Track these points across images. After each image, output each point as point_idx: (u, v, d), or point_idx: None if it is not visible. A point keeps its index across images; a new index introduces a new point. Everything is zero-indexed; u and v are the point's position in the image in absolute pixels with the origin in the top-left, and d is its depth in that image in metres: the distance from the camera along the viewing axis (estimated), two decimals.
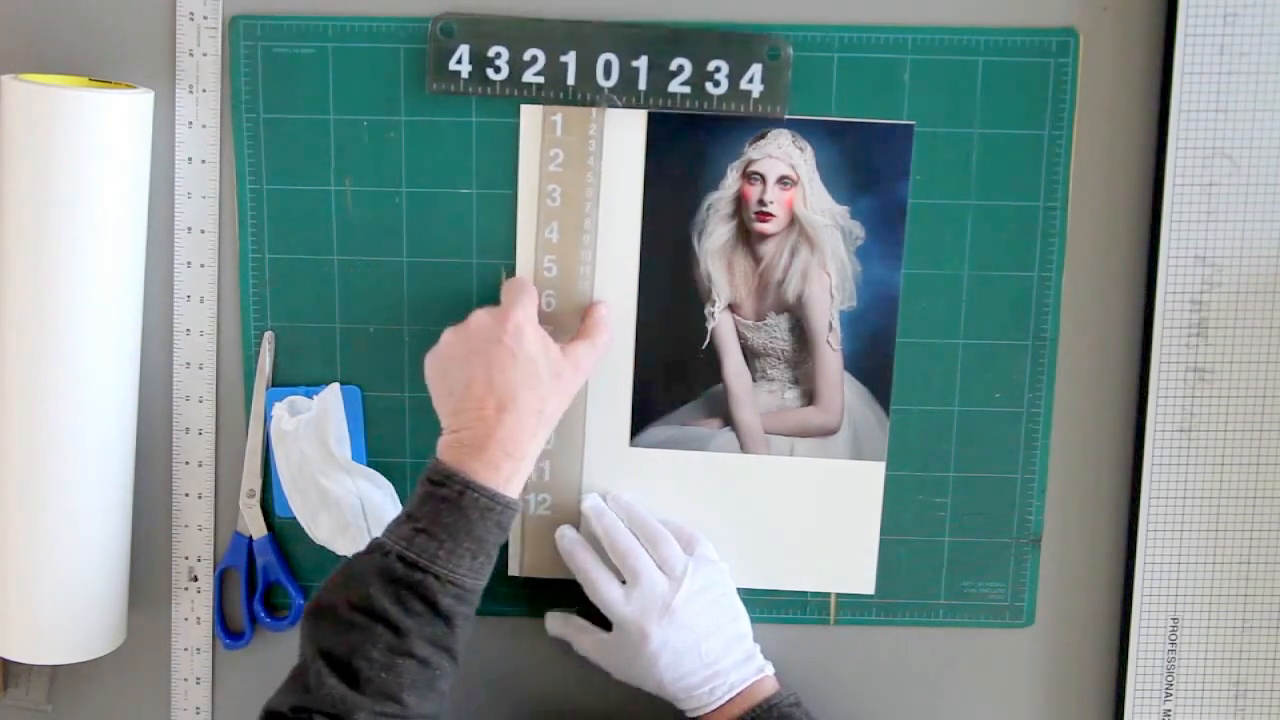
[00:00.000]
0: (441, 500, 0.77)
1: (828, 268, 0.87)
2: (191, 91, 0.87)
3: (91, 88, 0.82)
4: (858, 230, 0.86)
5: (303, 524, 0.87)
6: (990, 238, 0.87)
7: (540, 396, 0.80)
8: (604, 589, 0.84)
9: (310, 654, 0.76)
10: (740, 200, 0.86)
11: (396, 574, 0.76)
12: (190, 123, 0.87)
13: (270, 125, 0.86)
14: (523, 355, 0.79)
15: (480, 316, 0.81)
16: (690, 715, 0.84)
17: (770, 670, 0.85)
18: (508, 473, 0.78)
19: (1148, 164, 0.87)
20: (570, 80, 0.85)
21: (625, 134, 0.85)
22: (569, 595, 0.90)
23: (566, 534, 0.88)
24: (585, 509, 0.88)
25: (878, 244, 0.86)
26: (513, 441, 0.79)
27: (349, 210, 0.84)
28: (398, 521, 0.78)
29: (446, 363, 0.81)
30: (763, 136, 0.85)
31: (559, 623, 0.89)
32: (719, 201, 0.86)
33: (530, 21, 0.84)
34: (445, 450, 0.79)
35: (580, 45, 0.84)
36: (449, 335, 0.82)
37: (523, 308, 0.81)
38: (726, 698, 0.83)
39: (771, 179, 0.86)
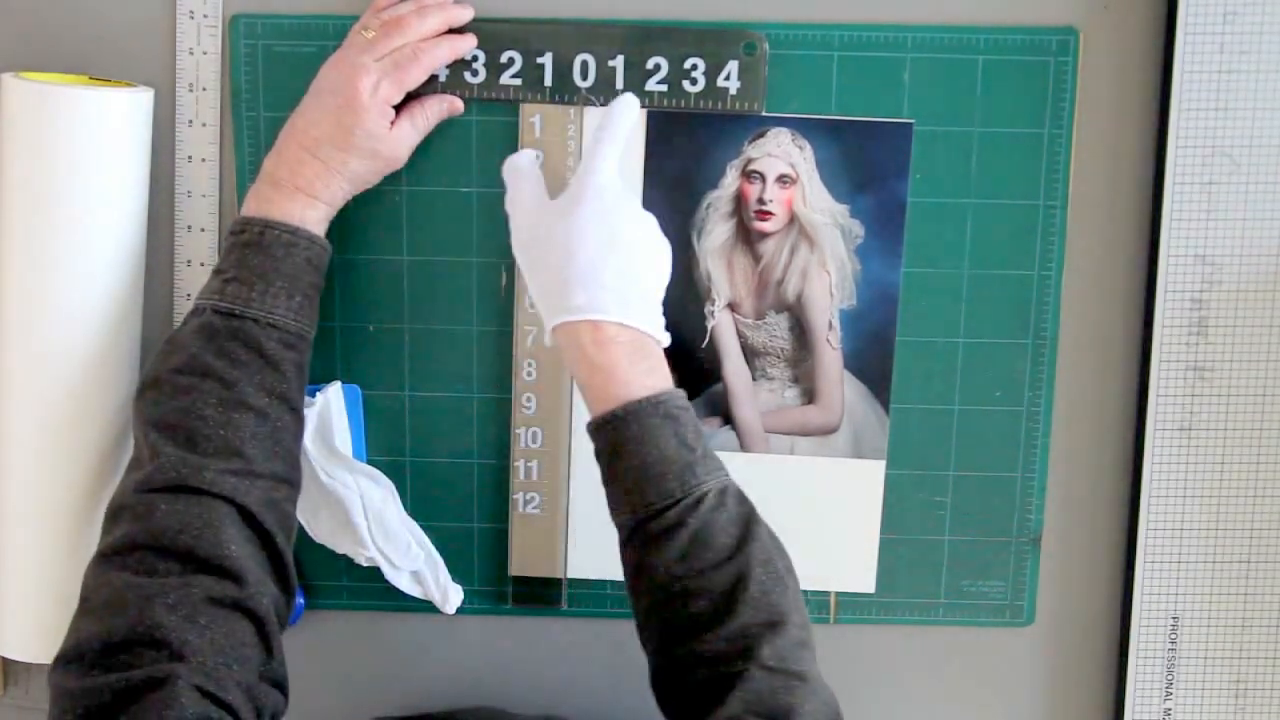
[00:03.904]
0: (245, 246, 0.77)
1: (827, 266, 0.87)
2: (192, 90, 0.87)
3: (91, 86, 0.82)
4: (857, 229, 0.86)
5: (302, 522, 0.87)
6: (990, 236, 0.87)
7: (344, 152, 0.79)
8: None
9: (143, 432, 0.75)
10: (740, 199, 0.86)
11: (215, 327, 0.75)
12: (190, 121, 0.87)
13: (271, 124, 0.86)
14: (354, 113, 0.78)
15: (356, 61, 0.79)
16: (562, 321, 0.76)
17: (667, 340, 0.78)
18: (302, 206, 0.78)
19: (1148, 163, 0.87)
20: (547, 81, 0.85)
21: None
22: (558, 594, 0.90)
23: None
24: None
25: (877, 242, 0.87)
26: (304, 179, 0.78)
27: (348, 209, 0.84)
28: (208, 281, 0.78)
29: (310, 91, 0.81)
30: (762, 135, 0.85)
31: (525, 159, 0.83)
32: (718, 200, 0.86)
33: (506, 23, 0.84)
34: (246, 204, 0.79)
35: (556, 46, 0.84)
36: (327, 66, 0.81)
37: (395, 86, 0.79)
38: (611, 319, 0.75)
39: (771, 177, 0.86)
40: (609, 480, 0.76)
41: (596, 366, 0.75)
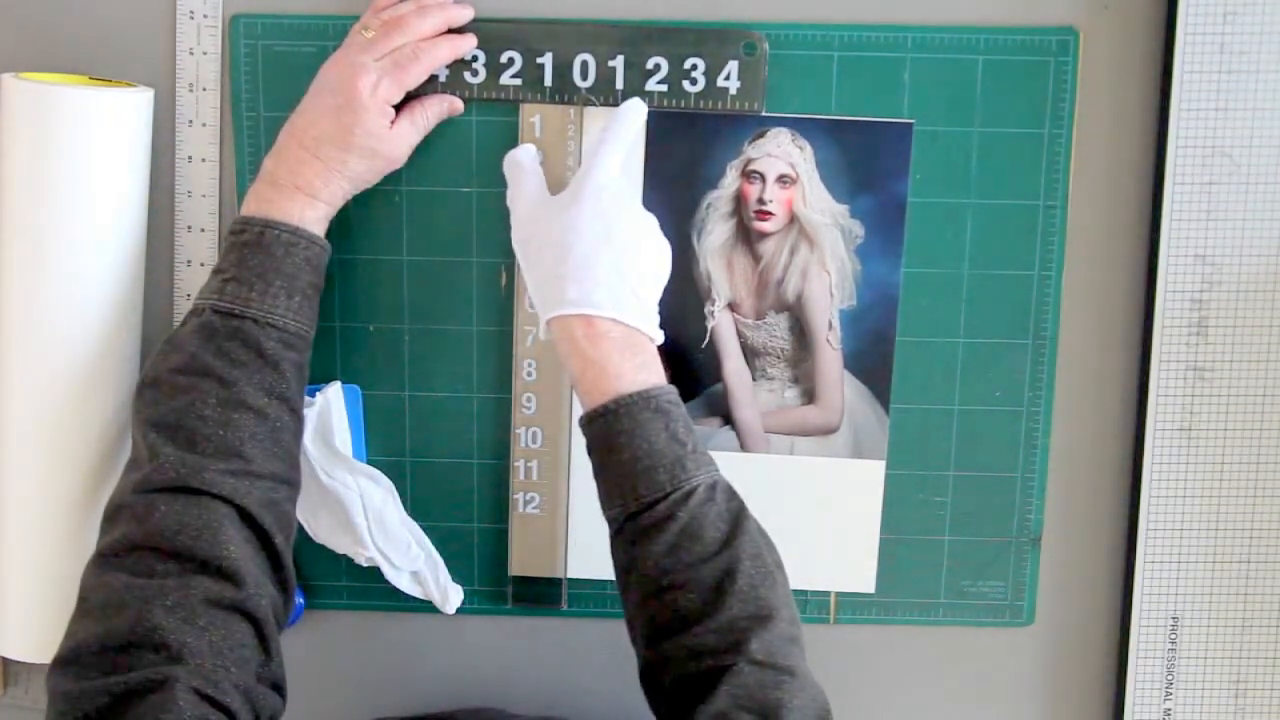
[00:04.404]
0: (244, 246, 0.77)
1: (827, 266, 0.87)
2: (192, 90, 0.87)
3: (92, 86, 0.82)
4: (857, 229, 0.86)
5: (302, 522, 0.87)
6: (990, 237, 0.87)
7: (344, 151, 0.79)
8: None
9: (141, 432, 0.74)
10: (740, 199, 0.86)
11: (215, 327, 0.75)
12: (190, 121, 0.87)
13: (271, 124, 0.86)
14: (353, 112, 0.78)
15: (356, 60, 0.79)
16: (556, 314, 0.77)
17: (660, 338, 0.78)
18: (302, 206, 0.78)
19: (1148, 163, 0.87)
20: (547, 81, 0.85)
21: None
22: (557, 594, 0.90)
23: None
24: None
25: (877, 243, 0.87)
26: (304, 179, 0.78)
27: (349, 209, 0.84)
28: (208, 281, 0.78)
29: (310, 91, 0.81)
30: (762, 135, 0.85)
31: (526, 153, 0.83)
32: (718, 200, 0.86)
33: (507, 23, 0.84)
34: (245, 204, 0.79)
35: (556, 46, 0.84)
36: (327, 66, 0.81)
37: (394, 85, 0.80)
38: (603, 314, 0.75)
39: (771, 178, 0.86)
40: (599, 474, 0.76)
41: (589, 360, 0.75)
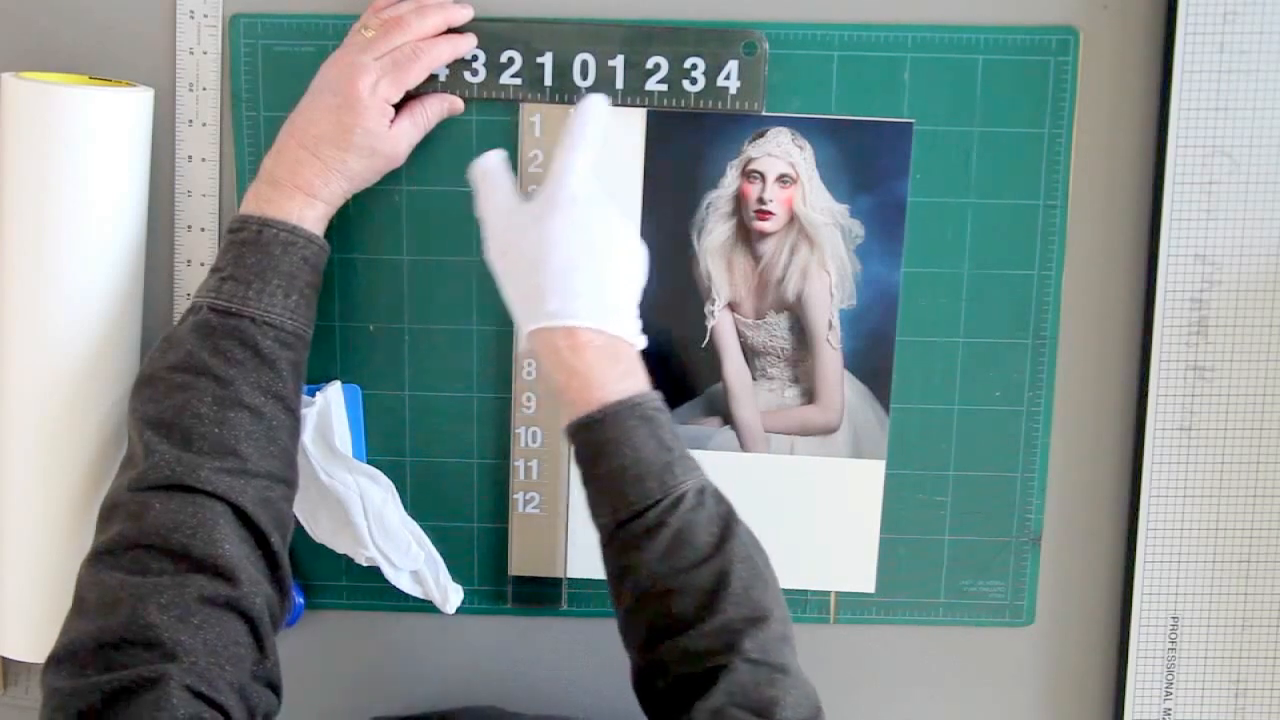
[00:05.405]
0: (242, 244, 0.77)
1: (827, 266, 0.87)
2: (192, 90, 0.87)
3: (92, 85, 0.82)
4: (857, 229, 0.87)
5: (302, 522, 0.87)
6: (990, 236, 0.87)
7: (344, 150, 0.79)
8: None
9: (137, 430, 0.74)
10: (740, 199, 0.86)
11: (212, 325, 0.75)
12: (190, 121, 0.87)
13: (270, 123, 0.86)
14: (353, 112, 0.78)
15: (355, 60, 0.79)
16: (537, 327, 0.77)
17: (643, 343, 0.78)
18: (301, 205, 0.78)
19: (1148, 162, 0.87)
20: (548, 81, 0.85)
21: (624, 133, 0.86)
22: (557, 594, 0.91)
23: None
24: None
25: (877, 242, 0.87)
26: (303, 178, 0.78)
27: (349, 208, 0.84)
28: (206, 279, 0.78)
29: (310, 90, 0.81)
30: (762, 135, 0.85)
31: (494, 160, 0.82)
32: (718, 200, 0.86)
33: (506, 22, 0.84)
34: (245, 203, 0.79)
35: (556, 46, 0.84)
36: (327, 65, 0.81)
37: (394, 84, 0.79)
38: (586, 325, 0.75)
39: (771, 177, 0.86)
40: (588, 482, 0.76)
41: (573, 371, 0.75)
